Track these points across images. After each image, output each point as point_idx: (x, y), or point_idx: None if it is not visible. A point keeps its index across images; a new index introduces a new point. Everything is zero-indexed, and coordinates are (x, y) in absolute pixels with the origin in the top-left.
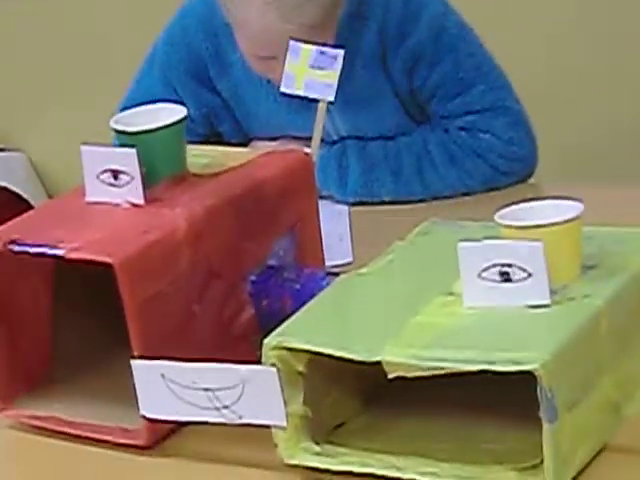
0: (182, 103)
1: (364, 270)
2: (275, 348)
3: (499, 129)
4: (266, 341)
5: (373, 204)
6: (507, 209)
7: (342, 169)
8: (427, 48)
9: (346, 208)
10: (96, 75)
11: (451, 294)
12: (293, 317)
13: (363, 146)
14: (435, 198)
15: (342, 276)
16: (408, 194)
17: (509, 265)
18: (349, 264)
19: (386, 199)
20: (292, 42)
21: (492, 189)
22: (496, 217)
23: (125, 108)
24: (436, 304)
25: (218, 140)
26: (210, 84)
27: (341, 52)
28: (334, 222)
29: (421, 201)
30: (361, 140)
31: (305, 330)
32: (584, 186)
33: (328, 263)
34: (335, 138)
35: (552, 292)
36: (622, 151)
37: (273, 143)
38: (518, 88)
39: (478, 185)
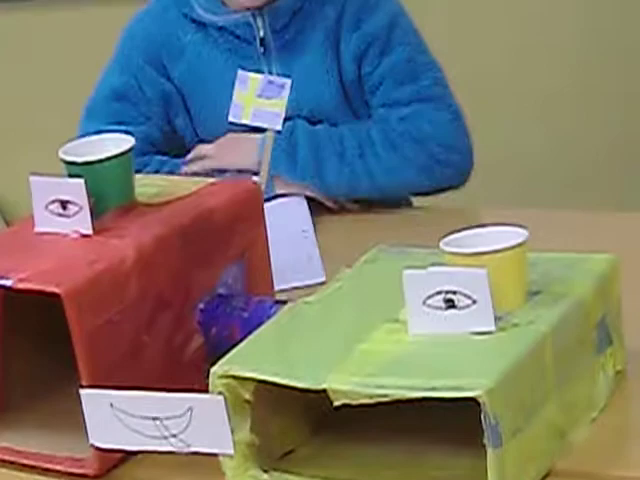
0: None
1: (311, 298)
2: (222, 377)
3: (440, 120)
4: (213, 370)
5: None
6: (452, 236)
7: (291, 147)
8: (381, 36)
9: (311, 228)
10: (52, 108)
11: (397, 321)
12: (240, 345)
13: (311, 128)
14: (379, 188)
15: (289, 304)
16: (351, 178)
17: (453, 292)
18: (322, 283)
19: (332, 184)
20: (240, 72)
21: (430, 180)
22: (441, 244)
23: (91, 105)
24: (382, 332)
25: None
26: (164, 71)
27: (288, 81)
28: (300, 242)
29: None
30: (308, 121)
31: (252, 358)
32: (529, 212)
33: (299, 284)
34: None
35: (497, 319)
36: (564, 177)
37: (256, 135)
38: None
39: (416, 173)
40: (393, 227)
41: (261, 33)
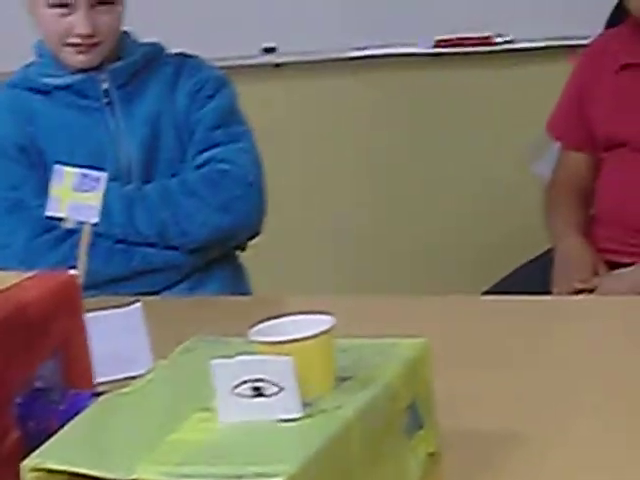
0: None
1: (126, 390)
2: (34, 470)
3: (238, 159)
4: (24, 463)
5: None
6: (261, 325)
7: (106, 208)
8: (213, 82)
9: (141, 321)
10: None
11: (207, 410)
12: (52, 438)
13: (122, 189)
14: (186, 233)
15: (104, 396)
16: (160, 228)
17: (261, 380)
18: None
19: (145, 234)
20: (56, 166)
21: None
22: (249, 333)
23: None
24: (192, 421)
25: None
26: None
27: (104, 175)
28: (128, 334)
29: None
30: (145, 166)
31: (63, 450)
32: (342, 298)
33: (130, 374)
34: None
35: (305, 405)
36: (370, 264)
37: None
38: None
39: (215, 211)
40: (219, 317)
41: (104, 86)
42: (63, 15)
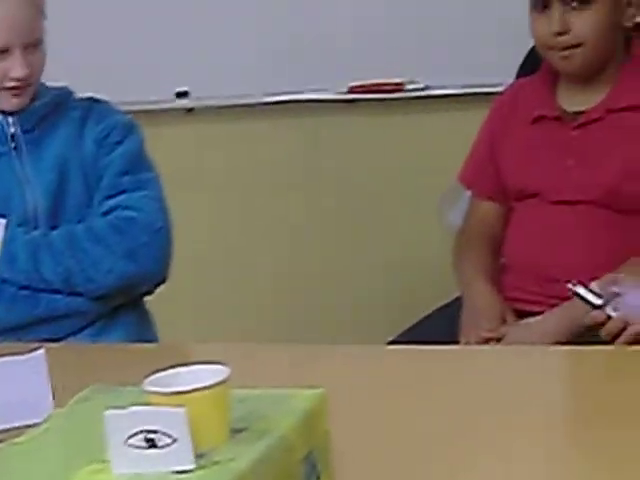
0: None
1: (20, 439)
2: None
3: (143, 206)
4: None
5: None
6: (156, 375)
7: (11, 255)
8: (121, 128)
9: (44, 368)
10: None
11: (102, 461)
12: None
13: (27, 236)
14: (91, 280)
15: None
16: (66, 274)
17: (154, 432)
18: None
19: (51, 280)
20: None
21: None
22: (144, 384)
23: None
24: (86, 472)
25: None
26: None
27: (3, 221)
28: (30, 381)
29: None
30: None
31: None
32: (240, 346)
33: (30, 422)
34: None
35: (198, 456)
36: (273, 314)
37: None
38: None
39: (121, 258)
40: (122, 365)
41: (11, 130)
42: None
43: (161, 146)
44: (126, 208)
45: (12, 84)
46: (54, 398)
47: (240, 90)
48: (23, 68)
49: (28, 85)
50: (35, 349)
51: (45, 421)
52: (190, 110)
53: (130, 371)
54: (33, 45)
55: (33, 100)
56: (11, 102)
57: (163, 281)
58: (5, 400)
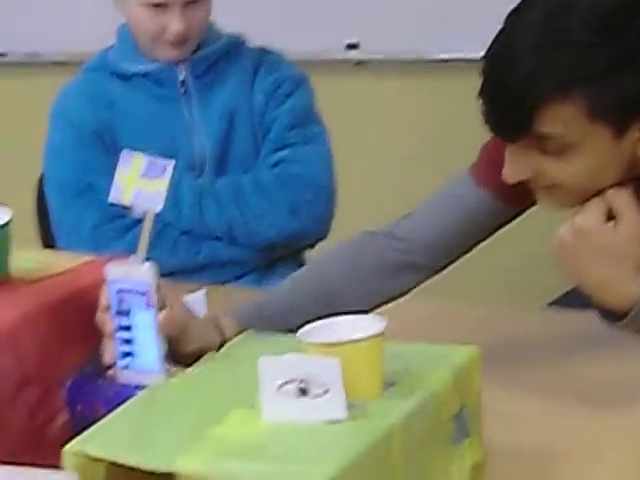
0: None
1: (173, 380)
2: (75, 455)
3: (310, 161)
4: (66, 448)
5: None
6: (311, 325)
7: (176, 199)
8: (292, 81)
9: (204, 308)
10: None
11: (252, 407)
12: (96, 425)
13: (194, 181)
14: (253, 232)
15: (151, 384)
16: (228, 224)
17: (307, 381)
18: None
19: (213, 228)
20: (125, 151)
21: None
22: (298, 333)
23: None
24: (236, 416)
25: None
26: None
27: (172, 162)
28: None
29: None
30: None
31: (106, 438)
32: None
33: None
34: None
35: (349, 408)
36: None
37: None
38: None
39: (284, 213)
40: None
41: (181, 77)
42: (157, 14)
43: (330, 98)
44: (292, 162)
45: (170, 38)
46: None
47: (410, 46)
48: (180, 24)
49: (186, 40)
50: (196, 289)
51: (201, 363)
52: (359, 63)
53: None
54: (193, 2)
55: (202, 47)
56: (169, 54)
57: (323, 238)
58: None
